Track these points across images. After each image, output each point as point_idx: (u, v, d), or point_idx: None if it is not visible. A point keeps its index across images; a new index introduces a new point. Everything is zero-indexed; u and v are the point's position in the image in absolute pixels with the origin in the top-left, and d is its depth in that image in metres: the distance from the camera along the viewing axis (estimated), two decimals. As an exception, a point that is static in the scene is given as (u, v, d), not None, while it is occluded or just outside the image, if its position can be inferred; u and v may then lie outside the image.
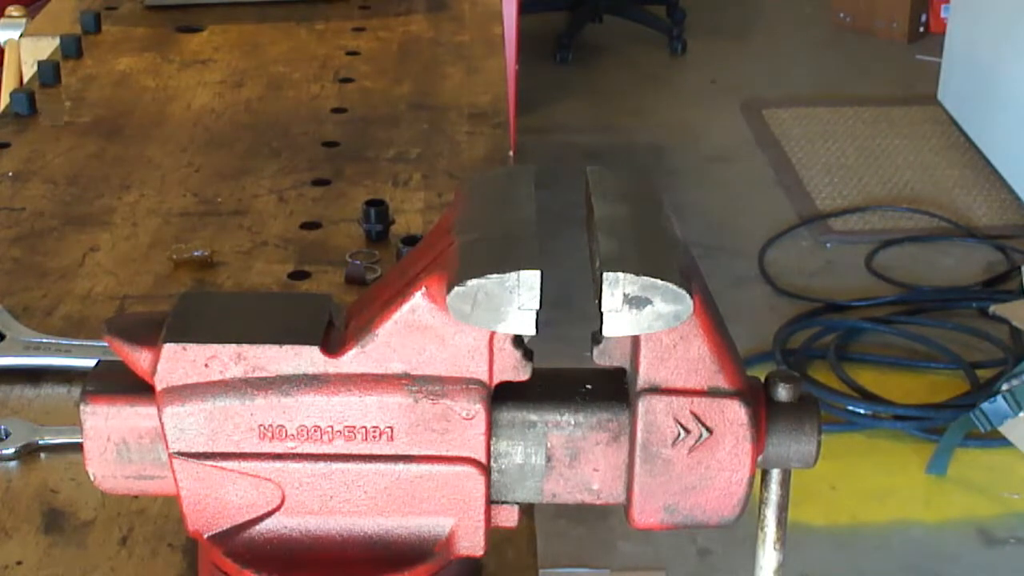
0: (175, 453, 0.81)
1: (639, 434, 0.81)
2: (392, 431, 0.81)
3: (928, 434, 3.08)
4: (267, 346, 0.80)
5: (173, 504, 0.85)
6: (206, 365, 0.80)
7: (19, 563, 0.96)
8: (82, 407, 0.82)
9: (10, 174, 1.55)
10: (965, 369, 3.28)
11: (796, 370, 3.25)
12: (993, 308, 3.39)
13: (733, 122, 4.74)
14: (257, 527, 0.83)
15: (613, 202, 0.82)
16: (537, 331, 0.76)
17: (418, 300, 0.78)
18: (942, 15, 5.24)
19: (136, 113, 1.73)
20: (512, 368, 0.80)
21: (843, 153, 4.48)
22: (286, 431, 0.80)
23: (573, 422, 0.82)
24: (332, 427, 0.80)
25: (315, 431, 0.80)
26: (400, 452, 0.81)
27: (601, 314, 0.75)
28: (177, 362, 0.80)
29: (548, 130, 4.69)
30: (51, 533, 0.98)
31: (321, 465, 0.81)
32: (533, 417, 0.82)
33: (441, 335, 0.79)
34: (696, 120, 4.79)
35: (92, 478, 0.84)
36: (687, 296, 0.75)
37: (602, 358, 0.81)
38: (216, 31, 2.01)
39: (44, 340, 1.18)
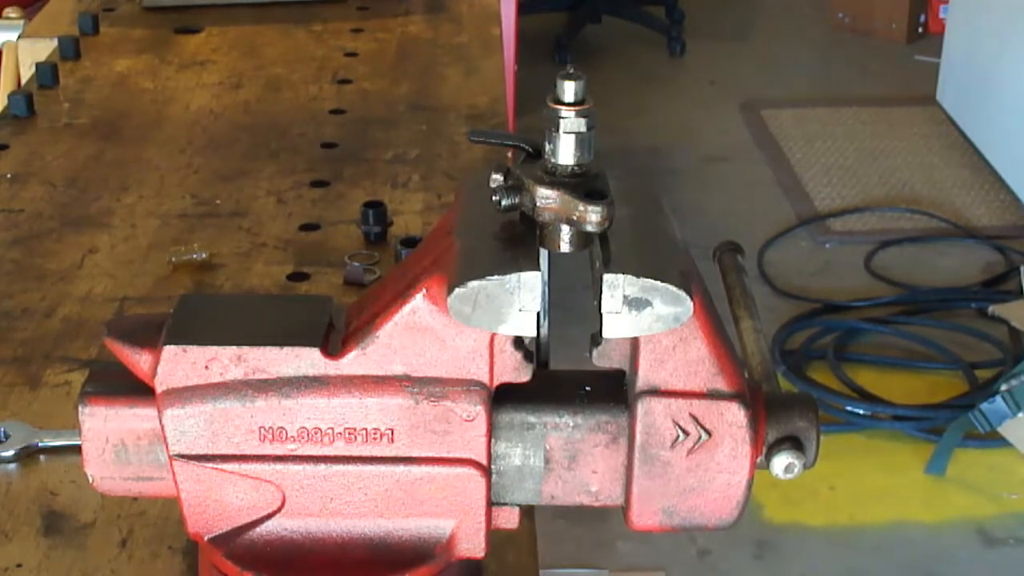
0: (175, 455, 0.81)
1: (638, 436, 0.80)
2: (393, 433, 0.80)
3: (927, 434, 3.08)
4: (267, 348, 0.80)
5: (173, 506, 0.85)
6: (206, 367, 0.80)
7: (19, 566, 0.95)
8: (80, 408, 0.82)
9: (8, 176, 1.55)
10: (964, 369, 3.28)
11: (795, 371, 3.25)
12: (992, 308, 3.39)
13: (732, 122, 4.74)
14: (258, 529, 0.83)
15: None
16: (538, 332, 0.76)
17: (419, 302, 0.78)
18: (941, 16, 5.24)
19: (134, 115, 1.73)
20: (513, 370, 0.79)
21: (842, 154, 4.48)
22: (287, 433, 0.80)
23: (572, 424, 0.82)
24: (333, 429, 0.80)
25: (316, 433, 0.80)
26: (401, 454, 0.81)
27: (601, 316, 0.75)
28: (177, 364, 0.80)
29: (547, 131, 4.67)
30: (51, 535, 0.98)
31: (322, 467, 0.81)
32: (531, 419, 0.82)
33: (442, 337, 0.79)
34: (695, 121, 4.78)
35: (90, 479, 0.84)
36: (687, 298, 0.75)
37: (601, 360, 0.81)
38: (214, 32, 2.01)
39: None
